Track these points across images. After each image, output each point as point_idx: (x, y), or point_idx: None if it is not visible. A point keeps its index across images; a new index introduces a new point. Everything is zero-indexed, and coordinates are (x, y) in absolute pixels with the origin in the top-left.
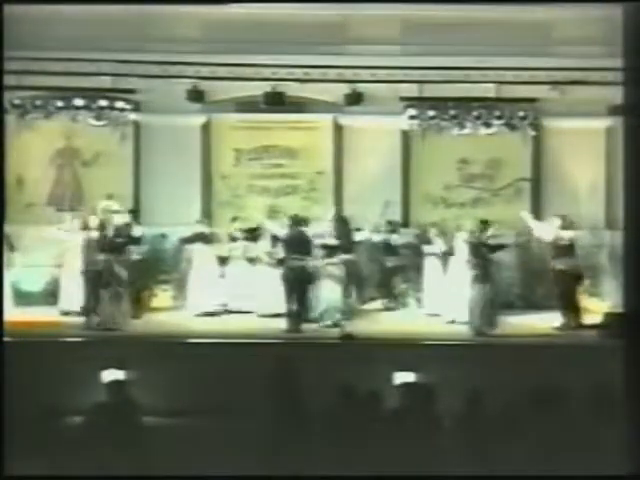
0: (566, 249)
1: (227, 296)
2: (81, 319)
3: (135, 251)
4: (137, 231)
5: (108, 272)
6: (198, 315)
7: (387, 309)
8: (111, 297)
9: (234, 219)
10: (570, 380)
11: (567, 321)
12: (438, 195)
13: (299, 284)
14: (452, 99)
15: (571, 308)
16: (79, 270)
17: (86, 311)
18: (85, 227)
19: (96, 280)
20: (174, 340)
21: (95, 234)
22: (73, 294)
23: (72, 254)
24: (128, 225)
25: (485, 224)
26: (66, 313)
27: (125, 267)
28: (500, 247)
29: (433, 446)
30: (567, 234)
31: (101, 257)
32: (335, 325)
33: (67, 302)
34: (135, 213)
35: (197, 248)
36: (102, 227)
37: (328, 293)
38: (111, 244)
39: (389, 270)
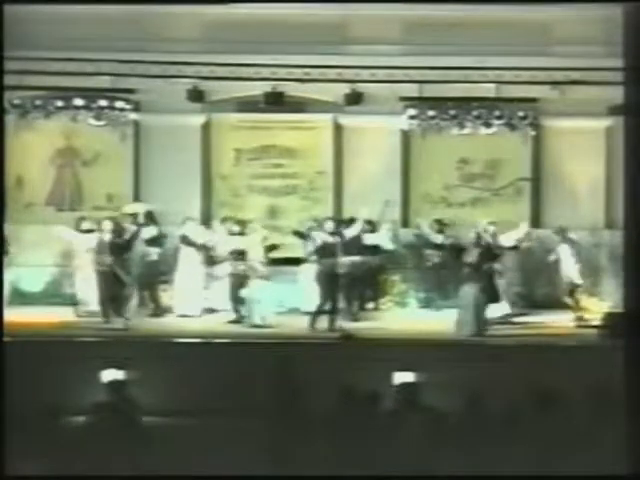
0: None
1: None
2: (96, 319)
3: (152, 252)
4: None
5: (124, 272)
6: (180, 316)
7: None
8: (128, 297)
9: (224, 220)
10: (570, 380)
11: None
12: (438, 195)
13: (334, 284)
14: (452, 99)
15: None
16: (92, 271)
17: (103, 311)
18: (97, 229)
19: (109, 280)
20: (174, 340)
21: (108, 236)
22: (89, 295)
23: (85, 256)
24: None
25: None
26: (84, 314)
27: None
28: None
29: (432, 446)
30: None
31: (114, 258)
32: (263, 326)
33: (85, 303)
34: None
35: (184, 249)
36: (118, 229)
37: (257, 292)
38: (127, 245)
39: (387, 270)
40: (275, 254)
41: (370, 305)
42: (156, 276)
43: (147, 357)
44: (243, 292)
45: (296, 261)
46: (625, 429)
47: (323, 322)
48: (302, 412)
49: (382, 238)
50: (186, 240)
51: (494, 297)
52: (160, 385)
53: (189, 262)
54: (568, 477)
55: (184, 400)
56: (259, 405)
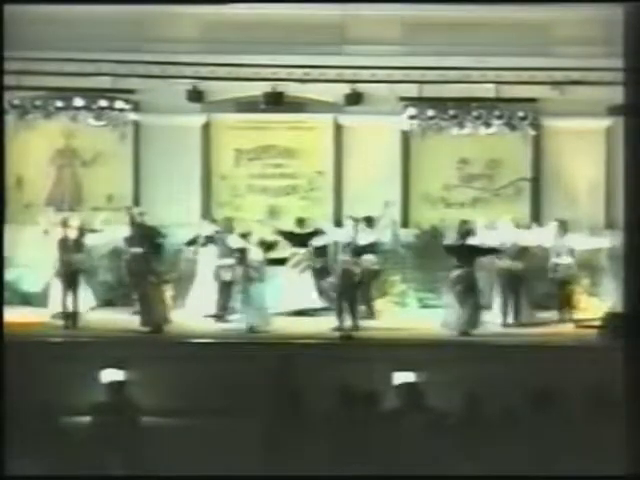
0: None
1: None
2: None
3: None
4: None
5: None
6: (205, 317)
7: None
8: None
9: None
10: (570, 380)
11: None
12: (438, 195)
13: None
14: (452, 99)
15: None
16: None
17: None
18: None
19: (73, 281)
20: (174, 340)
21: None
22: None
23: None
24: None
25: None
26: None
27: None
28: (485, 250)
29: (432, 446)
30: None
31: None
32: (251, 330)
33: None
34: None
35: (203, 250)
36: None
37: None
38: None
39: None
40: (272, 254)
41: (370, 305)
42: (143, 276)
43: (147, 357)
44: (237, 293)
45: (283, 262)
46: (624, 429)
47: (323, 322)
48: (302, 412)
49: (381, 237)
50: (210, 241)
51: (476, 297)
52: (160, 385)
53: (206, 263)
54: (568, 477)
55: (184, 400)
56: (259, 405)
